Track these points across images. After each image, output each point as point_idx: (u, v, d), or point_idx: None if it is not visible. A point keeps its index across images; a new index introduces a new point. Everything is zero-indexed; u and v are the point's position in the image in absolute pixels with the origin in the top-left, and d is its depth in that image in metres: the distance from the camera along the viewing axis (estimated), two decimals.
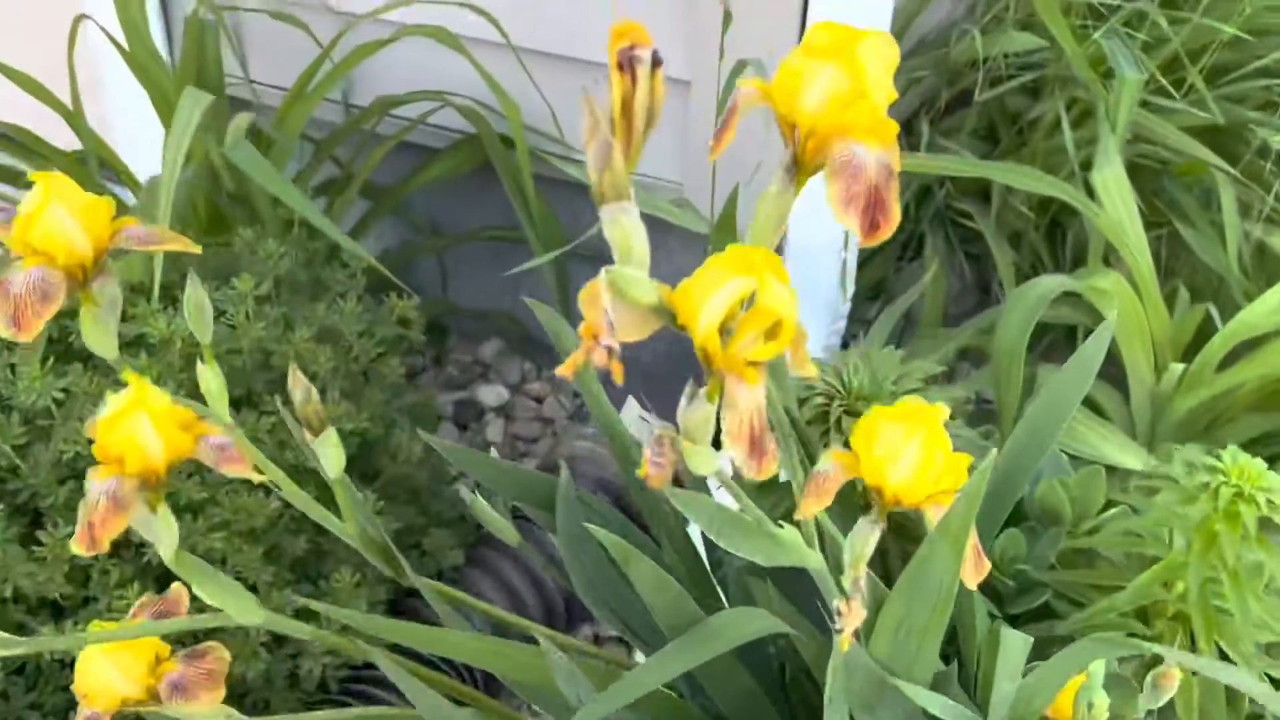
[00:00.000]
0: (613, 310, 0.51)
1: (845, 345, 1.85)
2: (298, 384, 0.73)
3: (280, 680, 1.11)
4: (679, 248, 1.72)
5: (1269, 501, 0.90)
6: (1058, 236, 1.94)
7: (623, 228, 0.53)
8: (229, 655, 0.72)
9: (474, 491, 0.96)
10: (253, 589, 1.10)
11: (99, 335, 0.68)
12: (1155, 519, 0.96)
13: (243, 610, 0.72)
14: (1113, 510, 1.07)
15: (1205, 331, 1.49)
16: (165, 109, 1.63)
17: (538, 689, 0.86)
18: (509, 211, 1.75)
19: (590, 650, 1.02)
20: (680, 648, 0.83)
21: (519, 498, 0.98)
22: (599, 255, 1.33)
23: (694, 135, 1.58)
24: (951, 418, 1.14)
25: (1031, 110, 1.84)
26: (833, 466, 0.65)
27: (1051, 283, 1.28)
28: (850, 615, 0.63)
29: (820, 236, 1.58)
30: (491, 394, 1.91)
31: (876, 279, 2.03)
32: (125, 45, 1.61)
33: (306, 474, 1.16)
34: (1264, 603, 0.95)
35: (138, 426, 0.61)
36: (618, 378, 0.50)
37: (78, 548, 0.61)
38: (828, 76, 0.53)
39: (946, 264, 2.04)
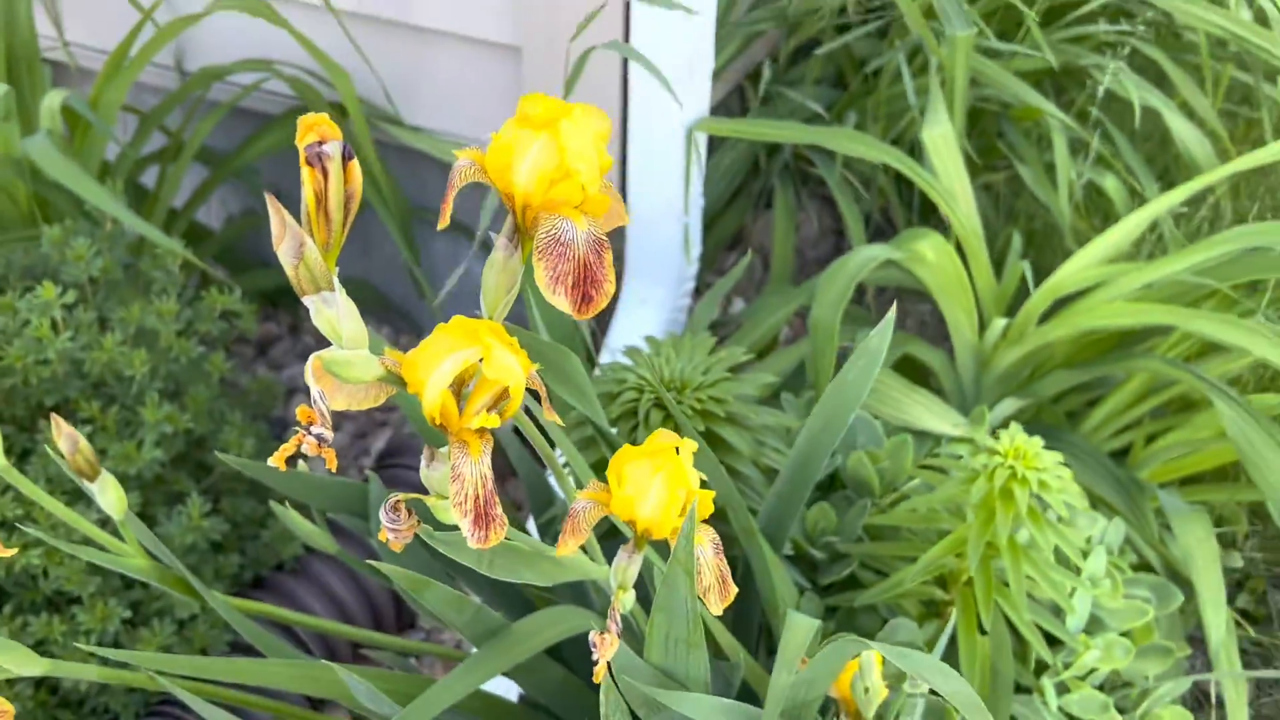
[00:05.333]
0: (325, 398, 0.52)
1: (699, 292, 1.87)
2: (61, 434, 0.72)
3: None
4: None
5: (1041, 482, 0.96)
6: (904, 186, 1.98)
7: (327, 317, 0.53)
8: (10, 709, 0.72)
9: (284, 504, 0.96)
10: (76, 601, 1.09)
11: None
12: (944, 496, 1.01)
13: (23, 663, 0.72)
14: (914, 482, 1.12)
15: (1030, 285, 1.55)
16: None
17: (355, 702, 0.88)
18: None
19: (417, 649, 1.05)
20: (482, 659, 0.86)
21: (333, 509, 0.99)
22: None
23: None
24: (762, 401, 1.17)
25: (879, 57, 1.85)
26: (587, 504, 0.67)
27: (869, 253, 1.31)
28: (605, 648, 0.66)
29: (660, 205, 1.59)
30: None
31: (734, 229, 2.06)
32: None
33: (133, 478, 1.16)
34: (1040, 571, 1.01)
35: None
36: (331, 464, 0.51)
37: None
38: (534, 153, 0.54)
39: (800, 213, 2.07)
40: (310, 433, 0.51)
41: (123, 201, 1.32)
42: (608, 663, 0.68)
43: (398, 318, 1.94)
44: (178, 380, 1.25)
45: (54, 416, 0.73)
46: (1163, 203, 1.41)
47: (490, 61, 1.56)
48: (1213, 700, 1.34)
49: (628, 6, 1.42)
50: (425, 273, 1.81)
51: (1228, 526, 1.46)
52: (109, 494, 0.77)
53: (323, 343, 1.77)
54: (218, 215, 2.00)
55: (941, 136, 1.51)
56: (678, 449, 0.67)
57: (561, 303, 0.54)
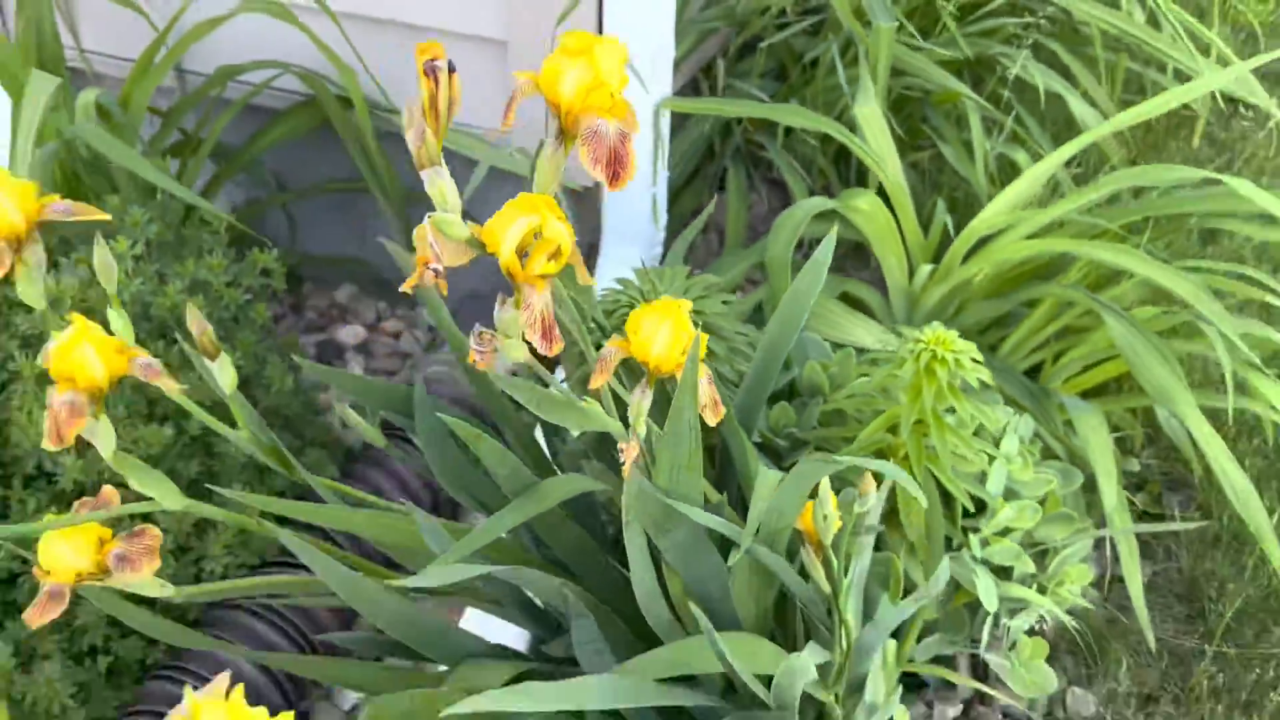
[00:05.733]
0: (437, 244, 0.74)
1: (663, 262, 2.10)
2: (194, 320, 0.93)
3: (188, 582, 1.30)
4: (506, 192, 1.93)
5: (957, 361, 1.20)
6: (842, 160, 2.23)
7: (439, 185, 0.75)
8: (160, 533, 0.91)
9: (342, 402, 1.16)
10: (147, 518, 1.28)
11: (30, 290, 0.86)
12: (879, 380, 1.25)
13: (167, 496, 0.92)
14: (859, 380, 1.35)
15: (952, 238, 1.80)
16: (12, 85, 1.73)
17: (410, 550, 1.08)
18: (348, 165, 1.92)
19: (452, 527, 1.25)
20: (517, 505, 1.07)
21: (384, 407, 1.20)
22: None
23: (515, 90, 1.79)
24: (725, 302, 1.39)
25: (812, 51, 2.10)
26: (612, 350, 0.89)
27: (813, 203, 1.55)
28: (629, 451, 0.88)
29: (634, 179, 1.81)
30: (350, 334, 2.09)
31: (692, 208, 2.29)
32: None
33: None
34: (963, 439, 1.25)
35: (84, 352, 0.80)
36: (443, 290, 0.73)
37: (49, 444, 0.80)
38: (575, 72, 0.76)
39: (750, 191, 2.31)
40: (430, 267, 0.73)
41: (170, 176, 1.52)
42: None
43: (391, 294, 2.14)
44: (226, 327, 1.44)
45: (190, 305, 0.93)
46: (1059, 156, 1.67)
47: (479, 54, 1.78)
48: (1108, 576, 1.59)
49: (600, 2, 1.65)
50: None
51: (1126, 432, 1.72)
52: (226, 371, 0.96)
53: (324, 317, 1.96)
54: (223, 206, 2.19)
55: (870, 111, 1.76)
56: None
57: (600, 176, 0.76)
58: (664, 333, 0.88)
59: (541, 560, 1.20)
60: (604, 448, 1.21)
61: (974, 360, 1.22)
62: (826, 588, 1.04)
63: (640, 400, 0.91)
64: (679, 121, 2.11)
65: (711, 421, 0.91)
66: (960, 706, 1.48)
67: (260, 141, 1.94)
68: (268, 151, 1.99)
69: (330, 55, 1.72)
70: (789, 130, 2.11)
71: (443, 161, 0.76)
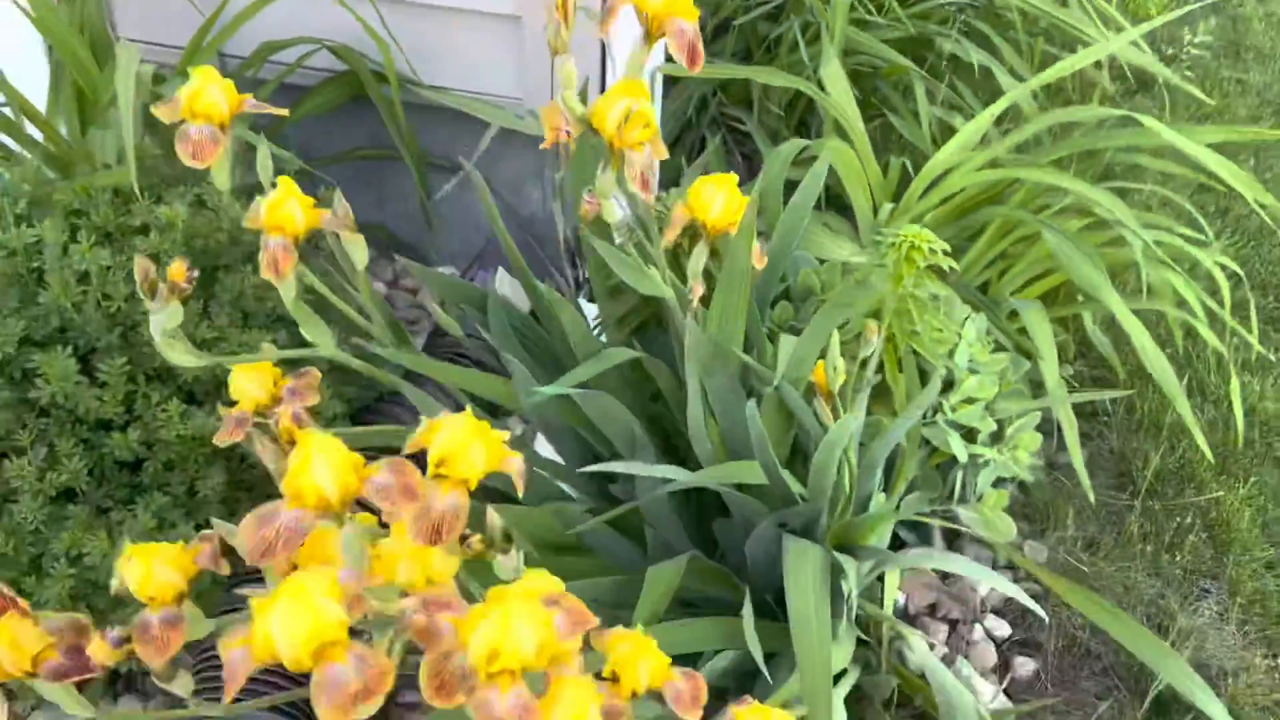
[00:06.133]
0: (565, 117, 0.99)
1: None
2: (341, 204, 1.16)
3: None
4: (521, 149, 2.19)
5: (930, 249, 1.48)
6: (804, 132, 2.52)
7: (567, 69, 1.01)
8: (319, 374, 1.14)
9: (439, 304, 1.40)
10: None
11: (222, 174, 1.10)
12: (864, 270, 1.52)
13: (325, 346, 1.15)
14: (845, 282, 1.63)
15: (908, 183, 2.09)
16: (81, 70, 1.93)
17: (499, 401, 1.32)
18: (366, 138, 2.15)
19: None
20: (588, 365, 1.31)
21: (463, 301, 1.44)
22: (455, 167, 1.90)
23: (529, 59, 2.04)
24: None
25: (774, 32, 2.40)
26: (678, 213, 1.15)
27: (796, 143, 1.82)
28: (696, 290, 1.14)
29: None
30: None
31: (674, 175, 2.56)
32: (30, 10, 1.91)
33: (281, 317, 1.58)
34: (936, 317, 1.53)
35: (290, 207, 1.04)
36: (573, 146, 0.98)
37: (268, 275, 1.03)
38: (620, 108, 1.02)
39: (725, 160, 2.59)
40: (562, 129, 0.98)
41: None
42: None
43: (409, 253, 2.37)
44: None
45: (337, 194, 1.16)
46: (993, 110, 1.97)
47: (494, 29, 2.03)
48: (1054, 450, 1.88)
49: None
50: (431, 208, 2.27)
51: (1060, 338, 2.02)
52: (358, 250, 1.20)
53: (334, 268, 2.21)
54: (247, 179, 2.40)
55: (834, 71, 2.05)
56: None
57: (683, 60, 1.02)
58: (720, 199, 1.14)
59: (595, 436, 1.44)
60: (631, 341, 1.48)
61: (945, 252, 1.50)
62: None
63: (701, 255, 1.17)
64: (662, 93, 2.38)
65: (760, 265, 1.17)
66: None
67: (294, 115, 2.16)
68: (293, 126, 2.21)
69: (370, 31, 1.96)
70: (761, 103, 2.40)
71: (570, 51, 1.01)
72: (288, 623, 0.62)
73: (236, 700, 1.30)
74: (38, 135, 1.93)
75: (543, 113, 1.01)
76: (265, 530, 0.69)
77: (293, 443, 0.90)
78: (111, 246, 1.48)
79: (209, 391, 1.50)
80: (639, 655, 0.83)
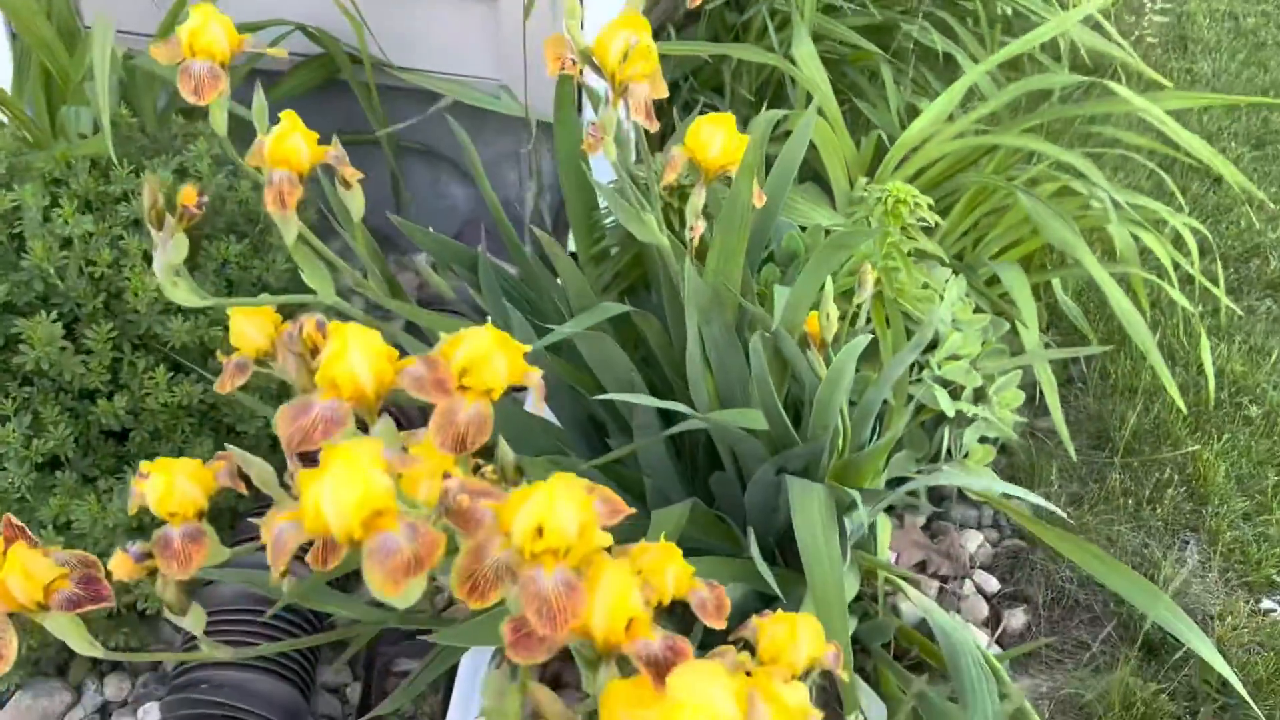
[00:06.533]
0: (574, 45, 1.00)
1: None
2: (342, 161, 1.16)
3: None
4: (496, 133, 2.19)
5: (915, 203, 1.50)
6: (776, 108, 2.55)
7: (570, 2, 1.01)
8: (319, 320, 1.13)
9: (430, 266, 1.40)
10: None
11: (219, 116, 1.09)
12: (848, 228, 1.54)
13: (326, 292, 1.14)
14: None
15: (881, 158, 2.12)
16: (50, 55, 1.90)
17: None
18: (339, 123, 2.14)
19: None
20: (585, 316, 1.32)
21: (453, 262, 1.44)
22: (429, 151, 1.91)
23: (504, 41, 2.05)
24: None
25: (741, 19, 2.43)
26: (678, 152, 1.16)
27: (772, 113, 1.84)
28: (695, 230, 1.15)
29: None
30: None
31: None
32: None
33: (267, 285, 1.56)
34: (921, 273, 1.55)
35: (295, 141, 1.03)
36: (583, 83, 0.99)
37: (272, 209, 1.02)
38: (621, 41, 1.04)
39: None
40: (566, 59, 0.99)
41: None
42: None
43: (381, 241, 2.36)
44: None
45: (334, 141, 1.16)
46: (959, 86, 2.01)
47: (471, 11, 2.04)
48: (1035, 409, 1.91)
49: None
50: (404, 192, 2.26)
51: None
52: (357, 199, 1.19)
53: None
54: None
55: (806, 50, 2.08)
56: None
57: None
58: (719, 137, 1.15)
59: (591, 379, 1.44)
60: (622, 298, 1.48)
61: (930, 206, 1.52)
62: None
63: (700, 195, 1.18)
64: None
65: (760, 203, 1.18)
66: (924, 518, 1.77)
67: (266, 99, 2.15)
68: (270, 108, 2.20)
69: (346, 14, 1.95)
70: (732, 88, 2.43)
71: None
72: (338, 491, 0.61)
73: (239, 644, 1.27)
74: (3, 118, 1.90)
75: (547, 43, 1.02)
76: (302, 419, 0.68)
77: (314, 352, 0.89)
78: (93, 215, 1.46)
79: (196, 360, 1.48)
80: (665, 562, 0.83)
